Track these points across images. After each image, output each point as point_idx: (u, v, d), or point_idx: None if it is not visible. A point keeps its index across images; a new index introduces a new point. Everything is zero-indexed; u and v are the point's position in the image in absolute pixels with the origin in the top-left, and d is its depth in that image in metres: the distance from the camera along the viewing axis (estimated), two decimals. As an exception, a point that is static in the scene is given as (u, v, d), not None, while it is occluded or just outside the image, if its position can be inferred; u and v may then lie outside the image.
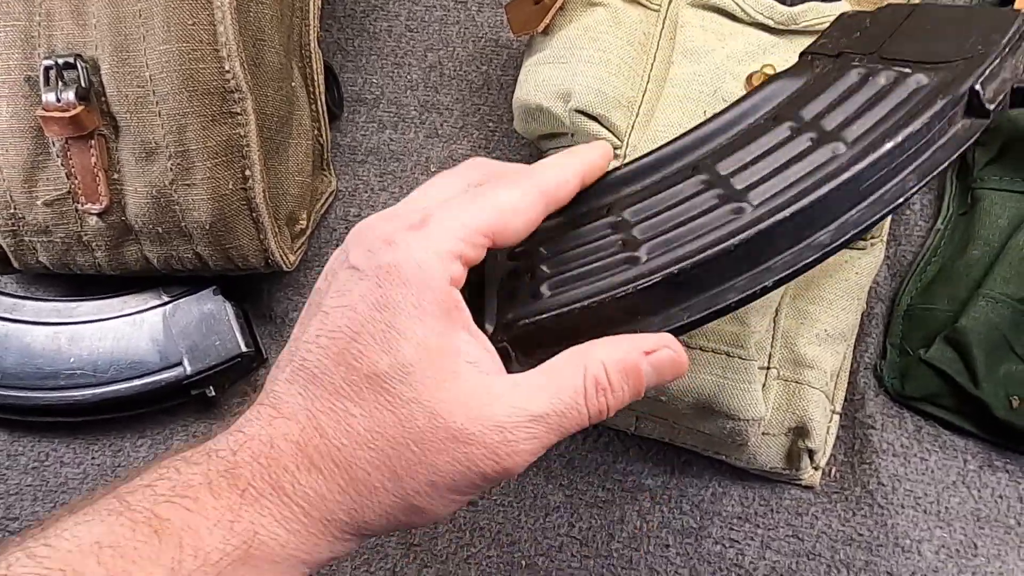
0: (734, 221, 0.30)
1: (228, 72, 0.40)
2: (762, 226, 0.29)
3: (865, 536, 0.40)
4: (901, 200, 0.30)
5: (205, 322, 0.46)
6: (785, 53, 0.41)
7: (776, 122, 0.33)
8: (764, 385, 0.38)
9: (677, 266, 0.29)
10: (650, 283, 0.29)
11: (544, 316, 0.30)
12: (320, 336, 0.27)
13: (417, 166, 0.51)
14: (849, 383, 0.42)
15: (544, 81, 0.42)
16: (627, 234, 0.32)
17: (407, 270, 0.27)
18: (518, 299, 0.32)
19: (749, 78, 0.40)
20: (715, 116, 0.34)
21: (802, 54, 0.36)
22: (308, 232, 0.49)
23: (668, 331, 0.30)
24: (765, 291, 0.30)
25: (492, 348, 0.28)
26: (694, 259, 0.29)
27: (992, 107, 0.30)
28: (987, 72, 0.30)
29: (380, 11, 0.56)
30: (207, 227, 0.43)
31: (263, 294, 0.49)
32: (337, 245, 0.50)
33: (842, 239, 0.30)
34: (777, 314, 0.39)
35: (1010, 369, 0.38)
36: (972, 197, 0.42)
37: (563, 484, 0.43)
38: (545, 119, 0.43)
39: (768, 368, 0.38)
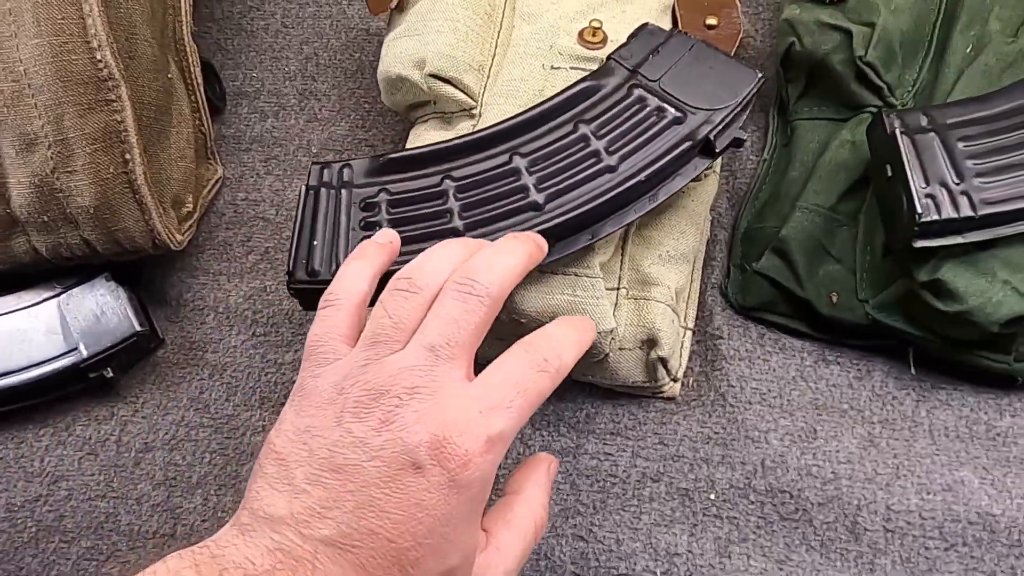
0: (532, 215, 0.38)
1: (100, 62, 0.43)
2: (551, 225, 0.38)
3: (720, 434, 0.44)
4: (651, 207, 0.40)
5: (99, 307, 0.48)
6: (611, 11, 0.46)
7: (574, 123, 0.39)
8: (616, 304, 0.42)
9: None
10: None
11: None
12: (377, 533, 0.28)
13: (299, 149, 0.55)
14: (700, 302, 0.47)
15: (401, 53, 0.46)
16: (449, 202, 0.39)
17: (478, 490, 0.29)
18: None
19: (580, 33, 0.45)
20: (529, 109, 0.40)
21: (609, 57, 0.41)
22: (196, 215, 0.51)
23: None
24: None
25: None
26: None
27: (718, 151, 0.39)
28: (722, 125, 0.38)
29: (256, 11, 0.59)
30: (92, 211, 0.45)
31: (156, 279, 0.52)
32: (227, 228, 0.53)
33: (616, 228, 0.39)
34: (625, 242, 0.44)
35: (827, 270, 0.44)
36: (790, 129, 0.48)
37: (451, 422, 0.46)
38: (406, 88, 0.46)
39: (618, 289, 0.43)
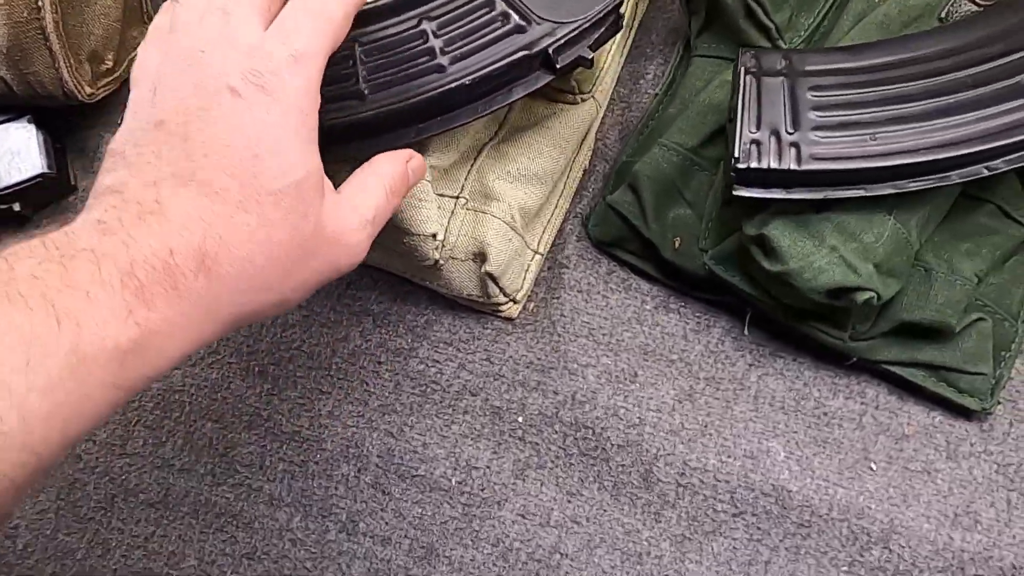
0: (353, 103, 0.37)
1: (15, -93, 0.45)
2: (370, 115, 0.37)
3: (542, 360, 0.44)
4: (484, 114, 0.38)
5: (16, 145, 0.52)
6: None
7: (418, 19, 0.38)
8: (452, 212, 0.42)
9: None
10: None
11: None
12: (210, 155, 0.29)
13: (233, 26, 0.56)
14: (560, 230, 0.46)
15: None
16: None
17: (302, 101, 0.31)
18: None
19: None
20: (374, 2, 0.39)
21: None
22: (117, 74, 0.53)
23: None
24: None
25: None
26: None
27: (560, 67, 0.37)
28: (564, 39, 0.36)
29: None
30: (5, 51, 0.48)
31: (77, 130, 0.55)
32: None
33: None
34: (479, 153, 0.43)
35: (678, 213, 0.42)
36: (687, 65, 0.45)
37: (301, 306, 0.48)
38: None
39: (458, 197, 0.42)
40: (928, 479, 0.39)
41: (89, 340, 0.26)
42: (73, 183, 0.53)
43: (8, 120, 0.52)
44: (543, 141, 0.43)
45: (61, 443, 0.26)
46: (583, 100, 0.44)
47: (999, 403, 0.39)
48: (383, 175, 0.35)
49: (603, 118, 0.48)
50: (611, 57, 0.45)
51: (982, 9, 0.38)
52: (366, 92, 0.38)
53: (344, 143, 0.39)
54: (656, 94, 0.46)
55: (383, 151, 0.39)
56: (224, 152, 0.30)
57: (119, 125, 0.32)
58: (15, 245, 0.28)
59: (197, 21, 0.33)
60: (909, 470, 0.39)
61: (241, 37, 0.31)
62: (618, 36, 0.45)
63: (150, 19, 0.56)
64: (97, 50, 0.52)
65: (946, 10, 0.39)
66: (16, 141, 0.52)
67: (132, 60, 0.54)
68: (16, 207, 0.51)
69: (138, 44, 0.55)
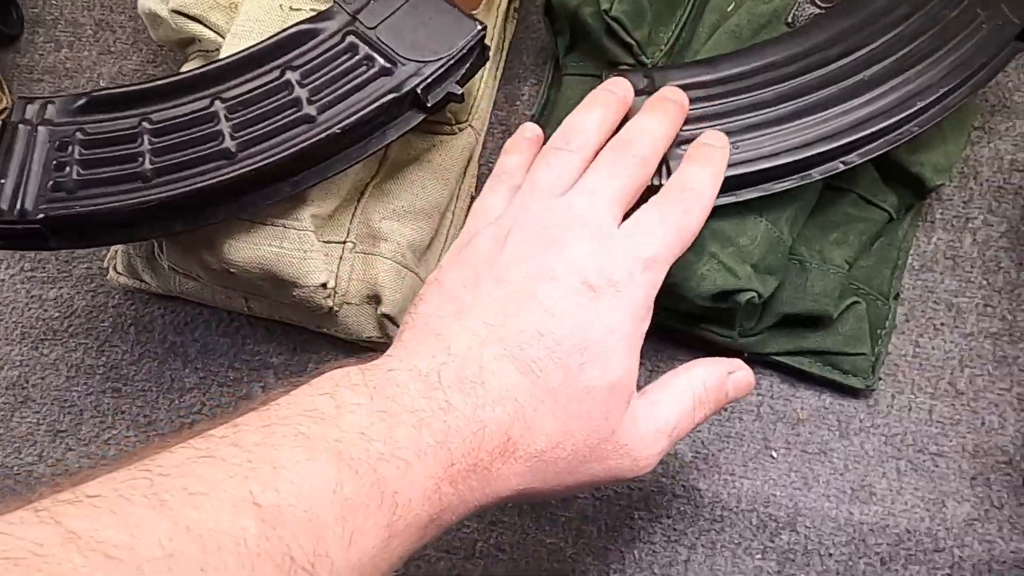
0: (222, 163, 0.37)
1: None
2: (240, 174, 0.36)
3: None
4: (360, 159, 0.39)
5: None
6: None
7: (281, 69, 0.38)
8: (341, 258, 0.41)
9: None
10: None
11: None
12: (544, 335, 0.29)
13: (89, 82, 0.53)
14: (453, 260, 0.46)
15: (152, -15, 0.44)
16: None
17: (643, 307, 0.30)
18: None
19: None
20: (237, 53, 0.39)
21: (335, 0, 0.39)
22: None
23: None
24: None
25: None
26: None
27: (431, 105, 0.37)
28: (432, 78, 0.37)
29: (64, -65, 0.57)
30: None
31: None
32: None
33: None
34: (362, 195, 0.43)
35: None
36: (560, 84, 0.46)
37: (197, 367, 0.46)
38: (162, 24, 0.45)
39: (345, 242, 0.42)
40: (825, 459, 0.41)
41: (402, 516, 0.25)
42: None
43: None
44: (425, 175, 0.43)
45: None
46: (461, 130, 0.45)
47: (880, 379, 0.42)
48: (697, 383, 0.33)
49: (484, 143, 0.48)
50: (483, 84, 0.46)
51: (823, 11, 0.40)
52: (234, 151, 0.37)
53: (214, 206, 0.38)
54: (532, 115, 0.47)
55: (258, 208, 0.39)
56: (558, 338, 0.29)
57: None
58: (338, 373, 0.27)
59: (558, 192, 0.32)
60: (807, 453, 0.41)
61: (603, 226, 0.31)
62: (488, 64, 0.46)
63: (2, 84, 0.53)
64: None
65: (791, 15, 0.41)
66: None
67: None
68: None
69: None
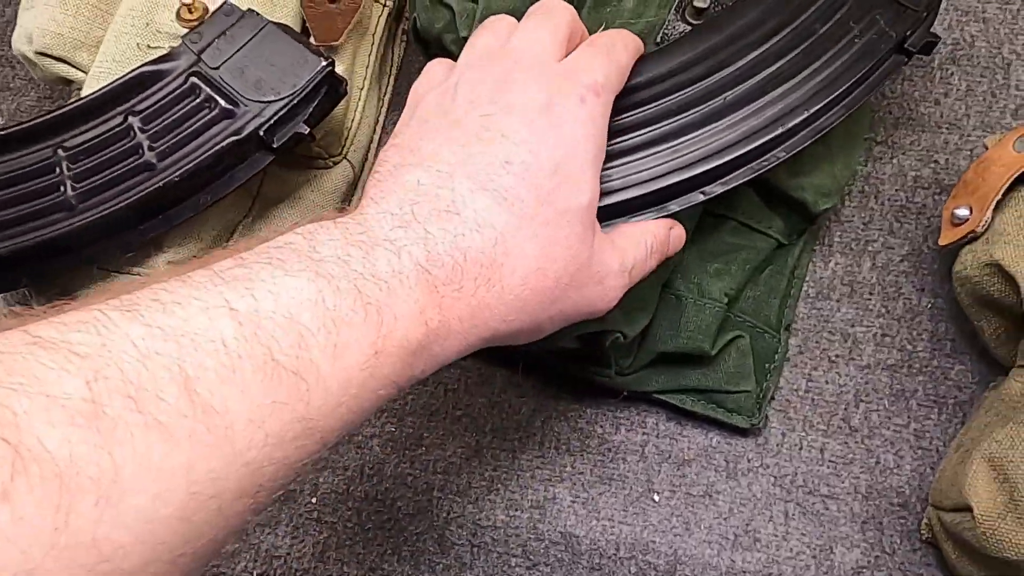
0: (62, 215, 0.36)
1: None
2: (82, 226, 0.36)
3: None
4: (211, 203, 0.38)
5: None
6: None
7: (124, 115, 0.37)
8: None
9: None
10: None
11: None
12: (512, 163, 0.29)
13: (-10, 120, 0.53)
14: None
15: (21, 26, 0.44)
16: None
17: (600, 131, 0.31)
18: None
19: (178, 11, 0.41)
20: (80, 99, 0.37)
21: (184, 36, 0.37)
22: None
23: None
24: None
25: None
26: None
27: (276, 146, 0.36)
28: (275, 118, 0.36)
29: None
30: None
31: None
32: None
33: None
34: (233, 235, 0.42)
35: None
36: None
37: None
38: (35, 66, 0.44)
39: (211, 286, 0.41)
40: (710, 502, 0.39)
41: (387, 335, 0.25)
42: None
43: None
44: (298, 213, 0.42)
45: (339, 435, 0.25)
46: (336, 163, 0.43)
47: (768, 416, 0.39)
48: (648, 232, 0.33)
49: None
50: (358, 115, 0.44)
51: (692, 28, 0.38)
52: (75, 202, 0.36)
53: (55, 257, 0.37)
54: (412, 145, 0.45)
55: (105, 259, 0.38)
56: (526, 164, 0.29)
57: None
58: (309, 224, 0.27)
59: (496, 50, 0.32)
60: (691, 495, 0.39)
61: (547, 63, 0.31)
62: (363, 93, 0.44)
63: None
64: None
65: (660, 34, 0.38)
66: None
67: None
68: None
69: None
